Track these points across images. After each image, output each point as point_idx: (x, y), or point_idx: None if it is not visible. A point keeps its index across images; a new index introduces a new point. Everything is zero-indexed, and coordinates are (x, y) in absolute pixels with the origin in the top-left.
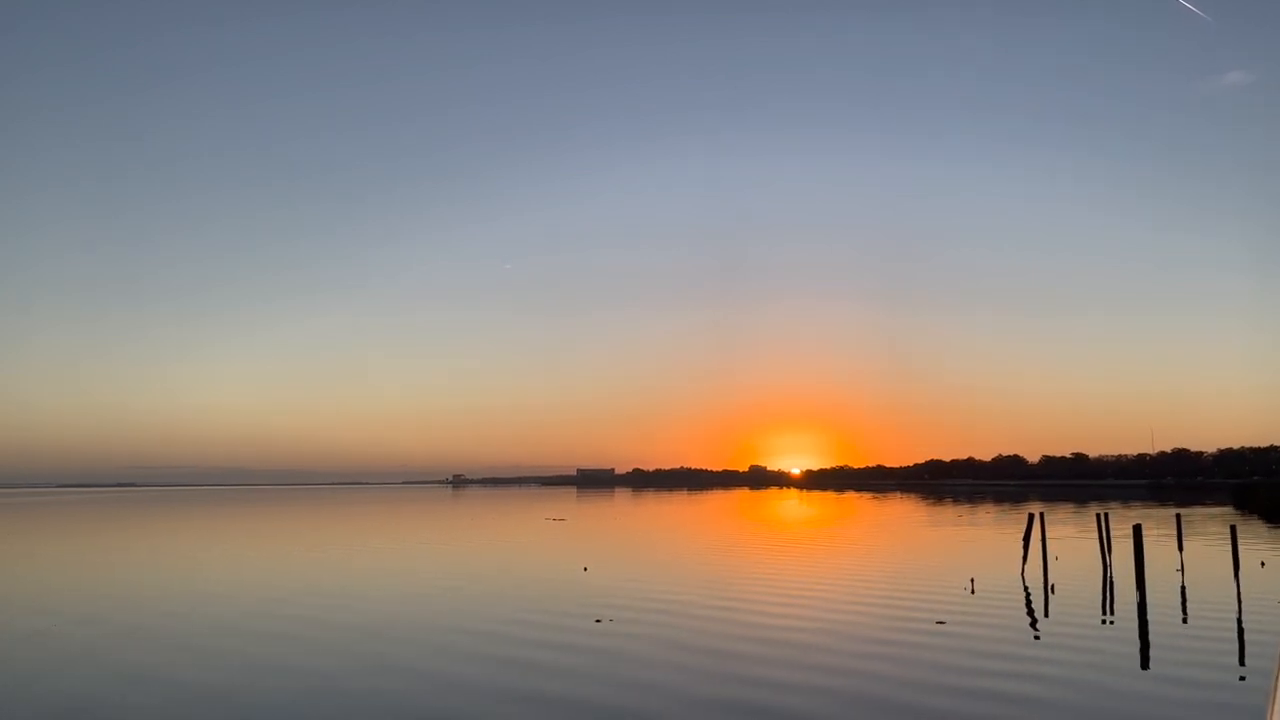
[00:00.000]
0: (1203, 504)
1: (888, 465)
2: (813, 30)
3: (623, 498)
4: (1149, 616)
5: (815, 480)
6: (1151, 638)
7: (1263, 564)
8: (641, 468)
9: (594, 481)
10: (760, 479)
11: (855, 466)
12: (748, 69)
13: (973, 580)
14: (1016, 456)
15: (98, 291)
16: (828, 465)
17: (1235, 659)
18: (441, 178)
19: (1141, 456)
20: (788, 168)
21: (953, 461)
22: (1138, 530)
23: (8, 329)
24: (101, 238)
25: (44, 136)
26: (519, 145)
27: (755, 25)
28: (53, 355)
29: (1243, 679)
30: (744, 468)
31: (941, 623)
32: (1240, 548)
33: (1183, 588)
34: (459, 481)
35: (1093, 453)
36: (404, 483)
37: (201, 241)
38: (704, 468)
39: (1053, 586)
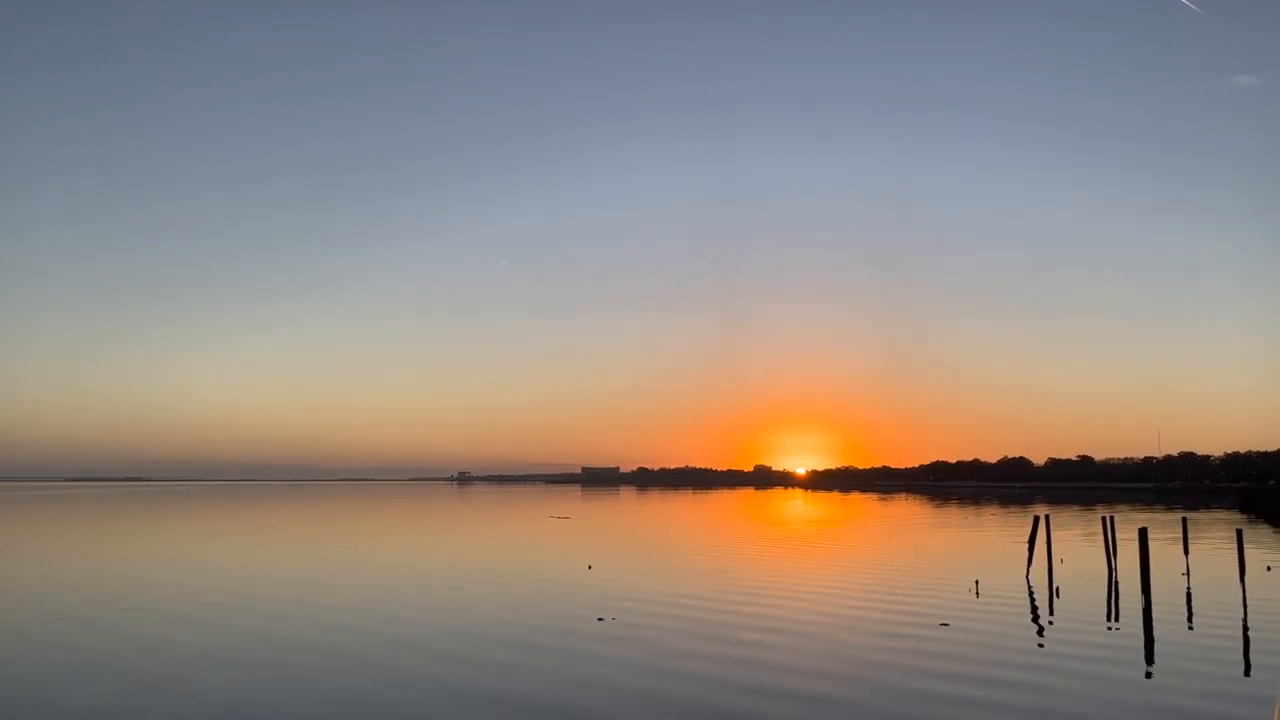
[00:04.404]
0: (1209, 508)
1: (893, 466)
2: (813, 29)
3: (627, 496)
4: (1154, 621)
5: (820, 481)
6: (1156, 642)
7: (1269, 568)
8: (646, 467)
9: (599, 480)
10: (765, 479)
11: (860, 467)
12: (749, 68)
13: (977, 582)
14: (1022, 458)
15: (101, 287)
16: (833, 466)
17: (1240, 664)
18: (450, 175)
19: (1148, 459)
20: (792, 166)
21: (958, 463)
22: (1143, 534)
23: (12, 324)
24: (104, 234)
25: (44, 134)
26: (525, 143)
27: (754, 25)
28: (56, 350)
29: (1248, 680)
30: (749, 468)
31: (945, 625)
32: (1246, 552)
33: (1188, 592)
34: (464, 478)
35: (1099, 455)
36: (410, 479)
37: (205, 238)
38: (709, 467)
39: (1057, 589)
